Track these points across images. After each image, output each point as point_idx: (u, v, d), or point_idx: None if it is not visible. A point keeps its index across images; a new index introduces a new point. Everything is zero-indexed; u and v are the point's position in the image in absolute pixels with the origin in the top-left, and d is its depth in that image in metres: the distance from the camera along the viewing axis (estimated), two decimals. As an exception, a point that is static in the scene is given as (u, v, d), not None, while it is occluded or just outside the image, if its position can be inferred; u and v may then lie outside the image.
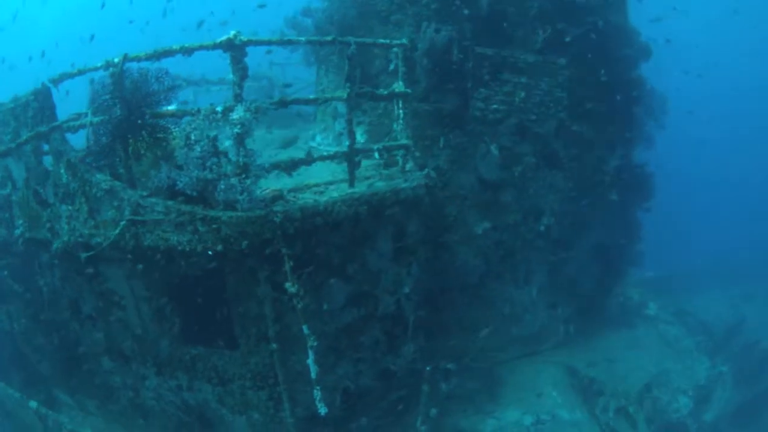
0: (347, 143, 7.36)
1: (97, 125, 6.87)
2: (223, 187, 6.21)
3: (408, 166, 8.01)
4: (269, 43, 6.41)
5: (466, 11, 9.14)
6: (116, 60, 6.47)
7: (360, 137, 9.21)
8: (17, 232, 9.15)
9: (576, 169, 10.35)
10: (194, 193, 6.44)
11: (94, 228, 7.73)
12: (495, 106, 9.22)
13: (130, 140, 6.79)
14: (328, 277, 7.27)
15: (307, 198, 6.98)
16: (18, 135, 8.22)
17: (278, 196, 6.64)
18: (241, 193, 6.22)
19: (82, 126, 7.34)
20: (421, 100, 8.69)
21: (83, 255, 7.94)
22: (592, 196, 10.62)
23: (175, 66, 7.25)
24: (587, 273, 11.05)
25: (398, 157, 8.11)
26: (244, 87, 6.41)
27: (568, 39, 9.82)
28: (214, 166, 6.15)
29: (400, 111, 7.81)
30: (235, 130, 5.93)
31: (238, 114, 5.86)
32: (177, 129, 6.46)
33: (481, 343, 9.98)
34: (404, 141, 7.90)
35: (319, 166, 8.17)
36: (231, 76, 6.35)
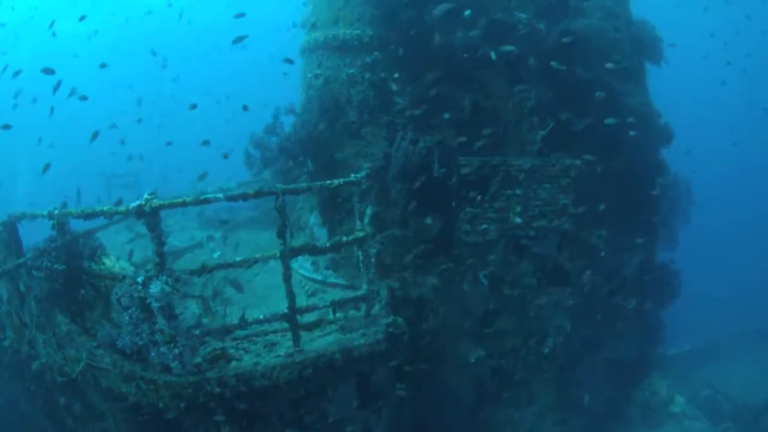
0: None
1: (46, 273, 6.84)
2: (153, 354, 5.96)
3: (375, 310, 7.16)
4: (184, 204, 6.04)
5: (446, 115, 8.17)
6: (56, 212, 6.46)
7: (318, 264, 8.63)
8: (5, 343, 9.39)
9: (586, 282, 9.18)
10: (132, 353, 6.25)
11: (64, 360, 7.79)
12: (484, 226, 8.29)
13: (80, 290, 6.77)
14: (282, 429, 6.78)
15: (255, 352, 6.58)
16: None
17: (219, 356, 6.28)
18: (173, 360, 5.93)
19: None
20: (399, 226, 7.98)
21: (59, 379, 8.01)
22: (606, 309, 9.47)
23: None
24: (601, 389, 9.95)
25: (362, 306, 7.30)
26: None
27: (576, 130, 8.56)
28: (143, 333, 5.90)
29: (359, 254, 7.11)
30: (155, 305, 5.63)
31: (156, 288, 5.57)
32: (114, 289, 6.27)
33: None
34: (363, 291, 7.16)
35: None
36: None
